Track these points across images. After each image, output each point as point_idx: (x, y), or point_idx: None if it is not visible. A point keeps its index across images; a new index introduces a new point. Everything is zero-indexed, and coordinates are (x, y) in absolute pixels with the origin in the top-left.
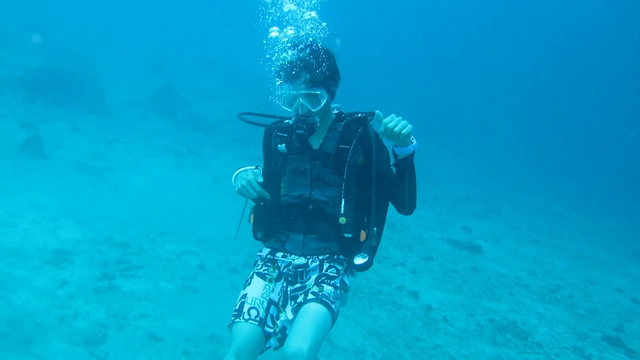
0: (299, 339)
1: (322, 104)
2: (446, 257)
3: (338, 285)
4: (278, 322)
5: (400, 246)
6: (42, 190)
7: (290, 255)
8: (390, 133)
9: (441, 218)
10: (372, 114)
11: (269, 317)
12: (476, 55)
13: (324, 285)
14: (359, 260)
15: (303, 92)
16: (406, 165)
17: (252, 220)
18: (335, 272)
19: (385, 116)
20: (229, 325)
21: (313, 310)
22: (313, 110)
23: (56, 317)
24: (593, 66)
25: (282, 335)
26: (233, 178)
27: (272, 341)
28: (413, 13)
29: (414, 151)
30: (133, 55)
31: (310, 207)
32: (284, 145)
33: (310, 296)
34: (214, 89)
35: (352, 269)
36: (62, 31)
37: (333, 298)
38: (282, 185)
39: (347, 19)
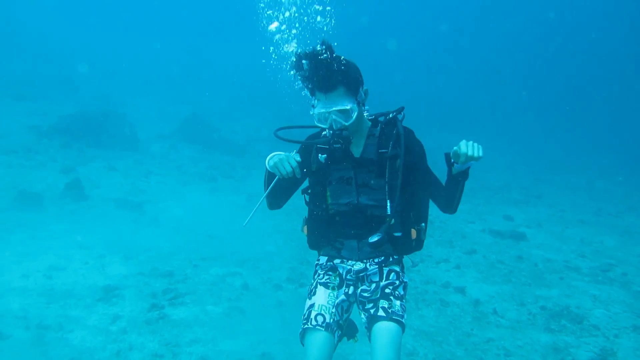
0: None
1: (354, 117)
2: (490, 249)
3: (403, 293)
4: (345, 316)
5: (441, 243)
6: (87, 230)
7: (347, 261)
8: (469, 159)
9: (480, 209)
10: (401, 110)
11: (335, 323)
12: (503, 42)
13: (392, 299)
14: (373, 239)
15: (334, 109)
16: (463, 177)
17: (305, 231)
18: (395, 276)
19: (459, 145)
20: (300, 334)
21: (388, 332)
22: (346, 124)
23: (112, 352)
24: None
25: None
26: (267, 159)
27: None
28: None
29: (470, 165)
30: (157, 89)
31: (359, 212)
32: (325, 156)
33: (381, 312)
34: (239, 110)
35: (409, 264)
36: (90, 76)
37: (402, 312)
38: (328, 194)
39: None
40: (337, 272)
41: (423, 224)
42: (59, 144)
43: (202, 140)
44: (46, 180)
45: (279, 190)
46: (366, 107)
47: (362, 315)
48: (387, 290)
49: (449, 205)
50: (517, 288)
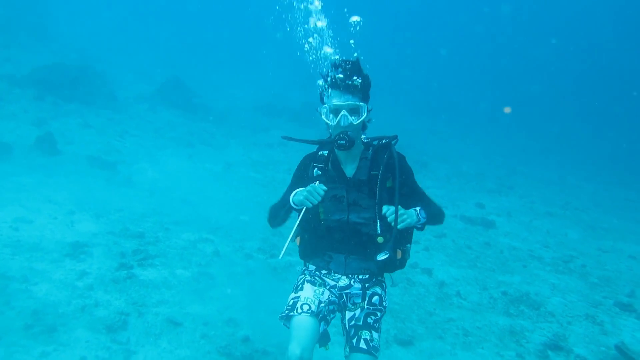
0: None
1: (363, 117)
2: (459, 234)
3: (381, 322)
4: (329, 317)
5: None
6: (57, 185)
7: (334, 274)
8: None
9: (454, 195)
10: (395, 137)
11: (320, 311)
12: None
13: (373, 332)
14: (382, 257)
15: (350, 103)
16: (419, 229)
17: (298, 242)
18: (378, 300)
19: (387, 212)
20: (281, 318)
21: None
22: (355, 123)
23: (77, 307)
24: (602, 34)
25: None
26: (291, 197)
27: (326, 340)
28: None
29: (424, 221)
30: (139, 49)
31: (349, 229)
32: (320, 172)
33: (362, 345)
34: (222, 78)
35: (389, 282)
36: (68, 28)
37: (378, 344)
38: (321, 210)
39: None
40: (323, 282)
41: (408, 245)
42: (32, 95)
43: (182, 105)
44: (16, 132)
45: (288, 213)
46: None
47: (345, 336)
48: (369, 320)
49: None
50: (481, 273)
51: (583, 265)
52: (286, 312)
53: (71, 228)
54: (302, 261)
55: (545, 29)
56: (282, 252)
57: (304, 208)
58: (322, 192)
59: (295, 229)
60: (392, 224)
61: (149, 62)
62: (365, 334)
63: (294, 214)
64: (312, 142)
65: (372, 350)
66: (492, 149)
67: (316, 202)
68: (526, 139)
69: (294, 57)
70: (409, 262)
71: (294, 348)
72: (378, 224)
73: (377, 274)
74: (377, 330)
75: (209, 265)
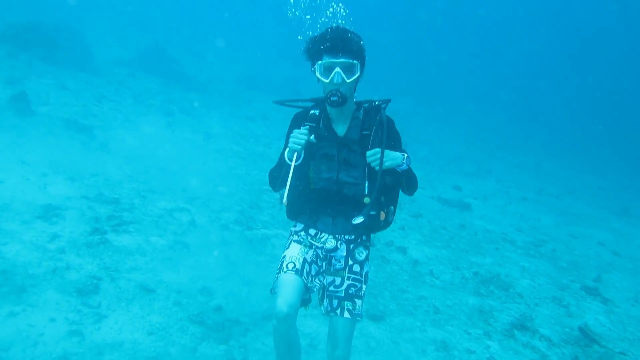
0: (342, 352)
1: (356, 76)
2: (435, 215)
3: (364, 289)
4: (315, 281)
5: None
6: (30, 146)
7: (321, 234)
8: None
9: (432, 177)
10: (388, 101)
11: (304, 271)
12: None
13: (355, 300)
14: (357, 220)
15: (342, 60)
16: (401, 174)
17: (285, 202)
18: (358, 268)
19: (369, 153)
20: (274, 283)
21: (349, 328)
22: (347, 80)
23: (48, 269)
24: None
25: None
26: (285, 154)
27: (310, 296)
28: None
29: (407, 167)
30: (120, 12)
31: (337, 188)
32: (312, 136)
33: (346, 314)
34: (205, 47)
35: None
36: None
37: (362, 309)
38: (311, 168)
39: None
40: (309, 241)
41: (392, 207)
42: (6, 52)
43: (163, 73)
44: None
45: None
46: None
47: (326, 302)
48: (350, 291)
49: (402, 190)
50: (455, 253)
51: (553, 250)
52: (275, 275)
53: (44, 190)
54: (291, 221)
55: (524, 18)
56: (284, 199)
57: (295, 155)
58: (306, 133)
59: (291, 178)
60: (374, 166)
61: (129, 26)
62: (348, 305)
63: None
64: (305, 102)
65: (355, 317)
66: (473, 133)
67: (302, 142)
68: (506, 124)
69: (278, 28)
70: (384, 239)
71: (281, 304)
72: (366, 184)
73: (362, 234)
74: (360, 297)
75: (185, 234)
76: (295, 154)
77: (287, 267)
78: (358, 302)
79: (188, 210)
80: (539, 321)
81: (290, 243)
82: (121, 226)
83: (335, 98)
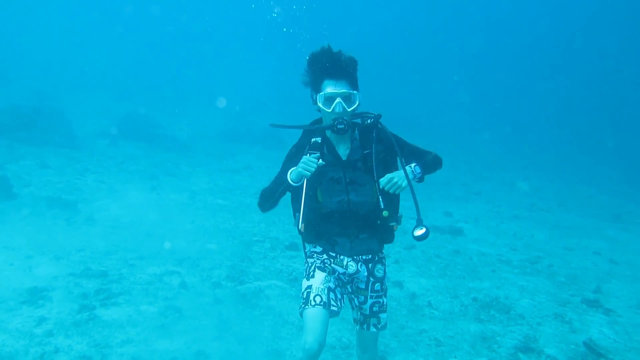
0: (371, 355)
1: (355, 105)
2: (428, 244)
3: (386, 302)
4: (341, 305)
5: None
6: (13, 230)
7: (340, 257)
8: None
9: (422, 206)
10: (379, 116)
11: (331, 299)
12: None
13: (380, 316)
14: (417, 232)
15: (345, 90)
16: (421, 178)
17: (302, 229)
18: (379, 287)
19: (384, 181)
20: (300, 313)
21: (375, 338)
22: (348, 109)
23: (35, 356)
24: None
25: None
26: (289, 175)
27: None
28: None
29: (421, 175)
30: (97, 86)
31: (351, 208)
32: (320, 160)
33: (372, 329)
34: (184, 107)
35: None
36: (23, 70)
37: (386, 320)
38: (319, 194)
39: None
40: (331, 265)
41: (400, 213)
42: None
43: (144, 137)
44: None
45: (283, 194)
46: None
47: (354, 314)
48: (374, 309)
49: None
50: (451, 281)
51: (550, 265)
52: (302, 306)
53: (29, 273)
54: (308, 245)
55: (503, 35)
56: (300, 223)
57: (304, 180)
58: (316, 161)
59: (304, 207)
60: (390, 191)
61: (108, 97)
62: (374, 321)
63: (285, 199)
64: (303, 127)
65: (380, 329)
66: (458, 156)
67: (313, 169)
68: (489, 144)
69: (253, 79)
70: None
71: (311, 342)
72: (380, 199)
73: (378, 251)
74: (384, 311)
75: (176, 298)
76: (305, 180)
77: (314, 300)
78: (382, 316)
79: (178, 273)
80: (543, 341)
81: (314, 270)
82: (110, 299)
83: (342, 126)
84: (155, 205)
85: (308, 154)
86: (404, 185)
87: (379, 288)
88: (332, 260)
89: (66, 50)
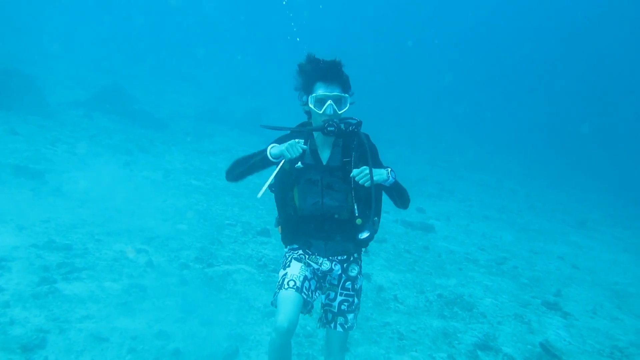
0: (336, 358)
1: (346, 108)
2: (400, 238)
3: (357, 302)
4: (315, 295)
5: None
6: None
7: (316, 256)
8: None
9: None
10: (360, 123)
11: (304, 287)
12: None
13: (347, 316)
14: (363, 236)
15: (337, 93)
16: (390, 188)
17: (280, 230)
18: (350, 285)
19: (357, 171)
20: (273, 300)
21: (342, 340)
22: (339, 112)
23: None
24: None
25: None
26: (269, 149)
27: (309, 308)
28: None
29: (394, 181)
30: (74, 54)
31: (325, 212)
32: (299, 163)
33: (339, 328)
34: (164, 84)
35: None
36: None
37: (354, 321)
38: (295, 194)
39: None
40: (307, 260)
41: (376, 218)
42: None
43: (121, 111)
44: None
45: (258, 169)
46: None
47: (322, 314)
48: (343, 307)
49: (395, 202)
50: (419, 277)
51: (515, 267)
52: (276, 291)
53: None
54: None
55: (485, 40)
56: (261, 192)
57: (282, 161)
58: (301, 150)
59: (273, 178)
60: (363, 183)
61: (86, 68)
62: (341, 320)
63: (259, 176)
64: (293, 129)
65: (347, 330)
66: (436, 155)
67: (296, 154)
68: (468, 145)
69: (237, 60)
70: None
71: (282, 320)
72: (355, 207)
73: (354, 252)
74: (353, 311)
75: (141, 276)
76: (282, 161)
77: (288, 284)
78: (350, 316)
79: (145, 251)
80: (502, 340)
81: (290, 261)
82: (72, 273)
83: (332, 128)
84: (127, 182)
85: (296, 141)
86: (375, 179)
87: (349, 286)
88: (307, 256)
89: (45, 14)
